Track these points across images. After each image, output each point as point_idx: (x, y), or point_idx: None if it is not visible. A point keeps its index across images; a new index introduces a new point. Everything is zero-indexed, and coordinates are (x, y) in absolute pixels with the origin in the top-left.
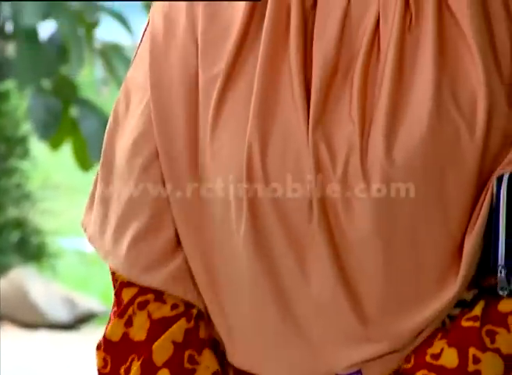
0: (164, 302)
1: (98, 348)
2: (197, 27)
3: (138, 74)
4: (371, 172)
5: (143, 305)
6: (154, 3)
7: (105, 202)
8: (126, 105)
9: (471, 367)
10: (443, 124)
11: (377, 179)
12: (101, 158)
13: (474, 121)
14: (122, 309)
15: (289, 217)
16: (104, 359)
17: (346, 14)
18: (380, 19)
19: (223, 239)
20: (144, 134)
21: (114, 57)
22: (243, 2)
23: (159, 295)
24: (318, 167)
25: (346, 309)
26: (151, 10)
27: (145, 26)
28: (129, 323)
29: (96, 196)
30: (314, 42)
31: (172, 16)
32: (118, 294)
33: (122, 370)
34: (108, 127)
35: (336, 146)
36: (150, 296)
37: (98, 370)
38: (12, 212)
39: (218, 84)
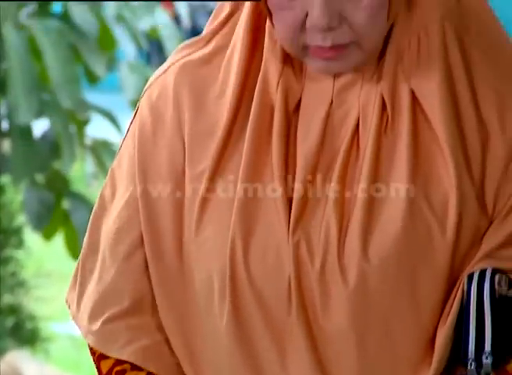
0: (141, 370)
1: None
2: (183, 122)
3: (124, 164)
4: (347, 268)
5: (121, 374)
6: (142, 98)
7: (85, 282)
8: (112, 192)
9: None
10: (416, 224)
11: (353, 275)
12: (86, 240)
13: (446, 221)
14: None
15: (270, 310)
16: None
17: (328, 115)
18: (360, 120)
19: (206, 325)
20: (129, 223)
21: (103, 153)
22: (229, 98)
23: (135, 364)
24: (298, 262)
25: None
26: (139, 101)
27: (132, 117)
28: None
29: (78, 275)
30: (297, 144)
31: (160, 110)
32: (97, 367)
33: None
34: (93, 211)
35: (314, 243)
36: (126, 365)
37: None
38: (8, 299)
39: (203, 181)
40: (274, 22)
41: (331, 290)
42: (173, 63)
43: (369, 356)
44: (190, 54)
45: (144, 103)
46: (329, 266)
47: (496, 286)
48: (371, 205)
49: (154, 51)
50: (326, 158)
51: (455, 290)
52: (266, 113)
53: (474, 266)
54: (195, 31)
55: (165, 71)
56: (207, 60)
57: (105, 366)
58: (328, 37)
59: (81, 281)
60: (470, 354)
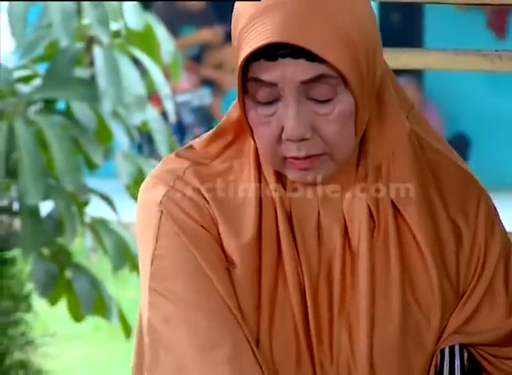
0: None
1: None
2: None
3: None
4: (357, 367)
5: None
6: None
7: None
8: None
9: None
10: (410, 321)
11: (363, 363)
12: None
13: (431, 319)
14: None
15: None
16: None
17: (318, 223)
18: (347, 225)
19: None
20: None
21: (101, 229)
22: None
23: None
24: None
25: None
26: (161, 204)
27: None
28: None
29: None
30: (299, 254)
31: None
32: None
33: None
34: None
35: (329, 346)
36: None
37: None
38: (18, 356)
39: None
40: (255, 137)
41: None
42: (186, 168)
43: None
44: (201, 161)
45: (172, 210)
46: (342, 365)
47: (466, 362)
48: (373, 310)
49: (144, 142)
50: (325, 257)
51: (432, 363)
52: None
53: (444, 342)
54: (180, 125)
55: (180, 177)
56: (219, 174)
57: None
58: (302, 148)
59: None
60: None
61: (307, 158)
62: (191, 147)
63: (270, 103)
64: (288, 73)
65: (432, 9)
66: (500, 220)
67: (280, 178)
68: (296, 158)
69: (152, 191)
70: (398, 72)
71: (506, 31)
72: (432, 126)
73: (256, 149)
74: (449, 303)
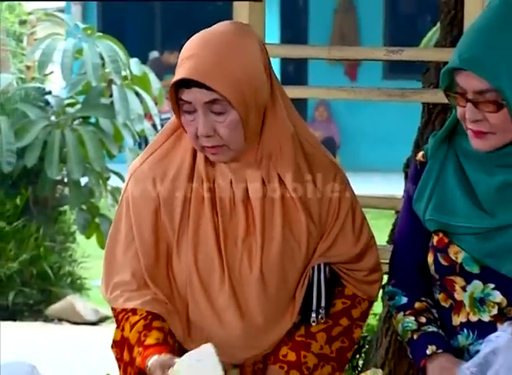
0: (136, 314)
1: (111, 346)
2: (156, 196)
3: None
4: (253, 274)
5: (127, 318)
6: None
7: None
8: (117, 228)
9: (303, 360)
10: (286, 248)
11: (257, 272)
12: (108, 242)
13: (301, 245)
14: (118, 322)
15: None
16: (115, 351)
17: (231, 188)
18: (248, 186)
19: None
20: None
21: (117, 193)
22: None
23: (134, 311)
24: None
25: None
26: (127, 181)
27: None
28: (122, 329)
29: (103, 268)
30: (217, 202)
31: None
32: (115, 316)
33: (124, 353)
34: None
35: (236, 262)
36: (130, 313)
37: (116, 358)
38: (67, 269)
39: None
40: (187, 133)
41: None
42: (144, 160)
43: (268, 297)
44: (152, 153)
45: (129, 186)
46: (243, 267)
47: (327, 275)
48: (264, 237)
49: (142, 142)
50: (234, 210)
51: (305, 274)
52: (200, 190)
53: (314, 262)
54: None
55: (141, 164)
56: (164, 156)
57: (120, 315)
58: (209, 141)
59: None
60: (314, 307)
61: (213, 147)
62: (151, 146)
63: (191, 113)
64: (196, 96)
65: (312, 63)
66: (351, 187)
67: (207, 158)
68: (207, 147)
69: (128, 174)
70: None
71: (356, 77)
72: (312, 134)
73: None
74: (313, 237)
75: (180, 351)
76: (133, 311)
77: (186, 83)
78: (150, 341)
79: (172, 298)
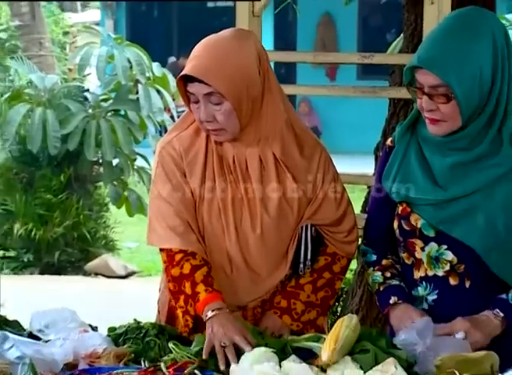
0: (195, 258)
1: (169, 281)
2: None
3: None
4: (256, 231)
5: (187, 259)
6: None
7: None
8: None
9: (292, 307)
10: (281, 211)
11: (258, 232)
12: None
13: (293, 209)
14: (174, 261)
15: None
16: (173, 285)
17: (234, 162)
18: (248, 165)
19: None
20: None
21: (142, 172)
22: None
23: (194, 254)
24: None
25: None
26: (157, 153)
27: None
28: (181, 267)
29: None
30: (226, 175)
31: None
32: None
33: (186, 287)
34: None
35: (241, 222)
36: (190, 256)
37: (172, 291)
38: (102, 233)
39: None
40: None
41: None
42: (174, 137)
43: (267, 251)
44: (180, 133)
45: (162, 154)
46: (244, 220)
47: (313, 234)
48: (263, 200)
49: (163, 130)
50: (238, 180)
51: (295, 233)
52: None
53: (302, 223)
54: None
55: (170, 141)
56: (187, 135)
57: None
58: (210, 125)
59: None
60: (301, 258)
61: (214, 130)
62: (175, 128)
63: (196, 102)
64: (197, 89)
65: (300, 66)
66: (333, 164)
67: (211, 137)
68: (209, 129)
69: (157, 147)
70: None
71: (335, 77)
72: (301, 120)
73: None
74: (302, 202)
75: None
76: (193, 254)
77: (190, 79)
78: (215, 286)
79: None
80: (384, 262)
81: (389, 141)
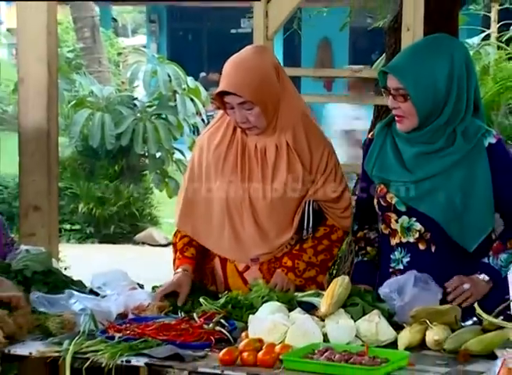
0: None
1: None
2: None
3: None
4: (267, 199)
5: (182, 236)
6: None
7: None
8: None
9: (296, 266)
10: (289, 185)
11: (268, 200)
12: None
13: (299, 186)
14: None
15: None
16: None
17: (256, 149)
18: (266, 152)
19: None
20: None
21: (180, 164)
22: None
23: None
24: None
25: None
26: (194, 147)
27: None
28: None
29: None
30: (248, 159)
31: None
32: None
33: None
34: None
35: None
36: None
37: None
38: (147, 211)
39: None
40: (232, 119)
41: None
42: (205, 132)
43: (276, 217)
44: (209, 129)
45: (196, 147)
46: (254, 197)
47: (315, 207)
48: (275, 179)
49: (195, 130)
50: (256, 162)
51: (300, 205)
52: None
53: (307, 198)
54: (208, 124)
55: (203, 134)
56: (216, 130)
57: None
58: (244, 124)
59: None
60: (305, 226)
61: (248, 128)
62: (208, 127)
63: (231, 109)
64: (232, 99)
65: (304, 79)
66: (336, 155)
67: (245, 132)
68: (244, 128)
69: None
70: None
71: (331, 88)
72: (313, 116)
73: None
74: (306, 180)
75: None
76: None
77: (225, 92)
78: (187, 254)
79: (210, 217)
80: (359, 234)
81: (369, 135)
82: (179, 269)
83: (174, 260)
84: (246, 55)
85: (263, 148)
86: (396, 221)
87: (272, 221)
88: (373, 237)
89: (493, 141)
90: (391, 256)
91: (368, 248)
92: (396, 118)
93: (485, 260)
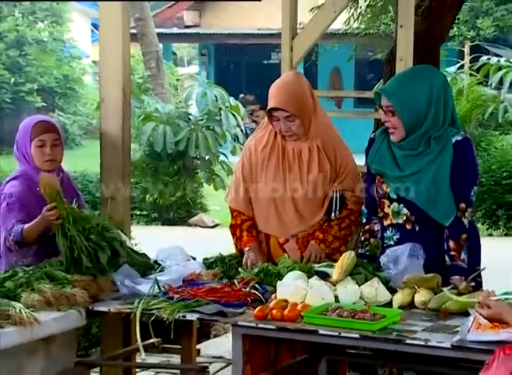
0: (243, 214)
1: (229, 227)
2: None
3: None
4: (299, 191)
5: (238, 215)
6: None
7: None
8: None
9: (325, 238)
10: (319, 180)
11: (302, 191)
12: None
13: (327, 180)
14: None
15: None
16: (232, 230)
17: (293, 152)
18: (302, 154)
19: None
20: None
21: (223, 164)
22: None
23: (240, 213)
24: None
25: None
26: (243, 150)
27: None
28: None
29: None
30: (288, 161)
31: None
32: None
33: (237, 233)
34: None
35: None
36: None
37: (232, 234)
38: (199, 200)
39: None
40: (276, 129)
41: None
42: (252, 139)
43: (309, 203)
44: (255, 136)
45: (244, 151)
46: (290, 188)
47: (340, 194)
48: (309, 174)
49: (236, 139)
50: (293, 162)
51: (328, 194)
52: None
53: (333, 188)
54: (247, 134)
55: (251, 140)
56: (261, 137)
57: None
58: (287, 133)
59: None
60: (333, 209)
61: (290, 136)
62: (254, 134)
63: (277, 121)
64: (279, 114)
65: (320, 98)
66: (352, 156)
67: (284, 138)
68: (287, 136)
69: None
70: None
71: (341, 106)
72: (334, 126)
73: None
74: (332, 176)
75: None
76: (242, 213)
77: (275, 108)
78: (254, 233)
79: (258, 204)
80: (366, 227)
81: (372, 135)
82: (252, 244)
83: (239, 238)
84: (288, 79)
85: (299, 150)
86: (389, 206)
87: (307, 206)
88: (377, 229)
89: (460, 138)
90: (384, 234)
91: (372, 240)
92: (389, 130)
93: (454, 263)
